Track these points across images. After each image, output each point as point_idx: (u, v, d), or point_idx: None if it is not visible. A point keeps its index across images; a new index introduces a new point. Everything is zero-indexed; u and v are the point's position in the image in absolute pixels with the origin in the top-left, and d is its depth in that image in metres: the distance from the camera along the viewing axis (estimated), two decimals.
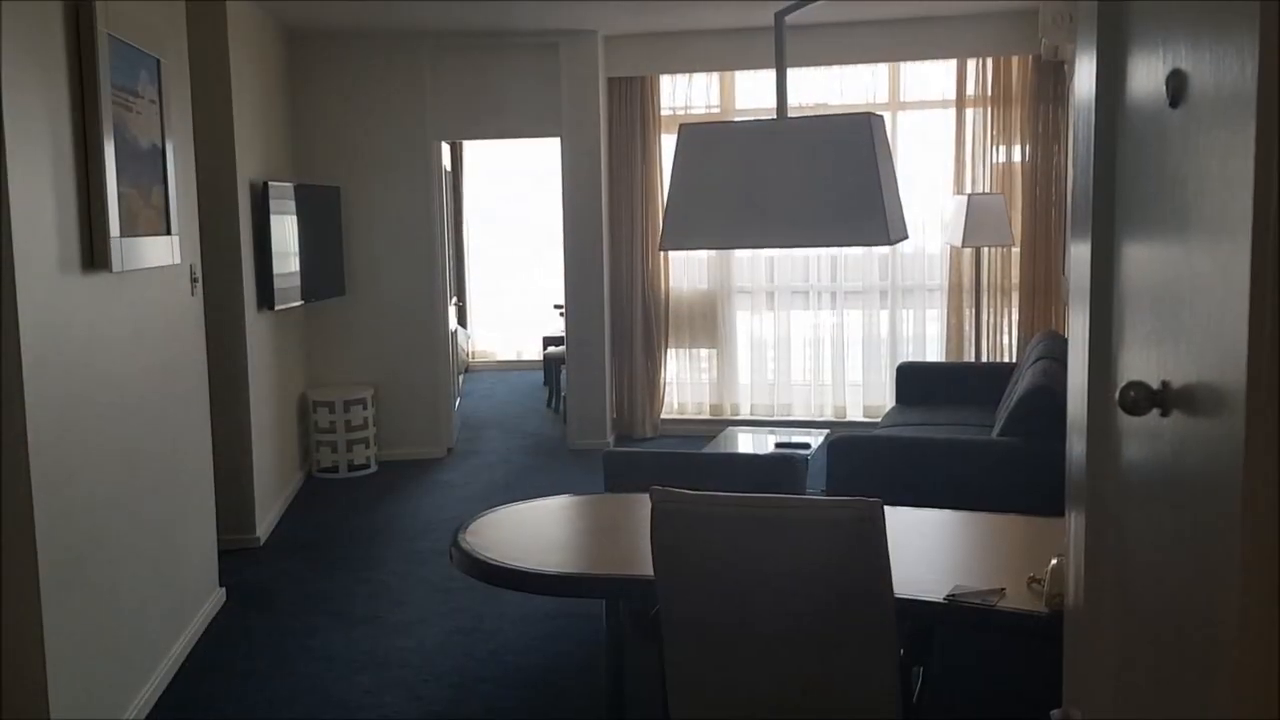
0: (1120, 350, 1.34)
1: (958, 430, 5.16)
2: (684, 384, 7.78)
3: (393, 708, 3.65)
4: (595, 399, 7.29)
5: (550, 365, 9.03)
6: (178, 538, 4.13)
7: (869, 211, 2.56)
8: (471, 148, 10.77)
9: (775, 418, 7.58)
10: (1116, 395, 1.14)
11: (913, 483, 4.24)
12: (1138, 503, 1.25)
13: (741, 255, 7.60)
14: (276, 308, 5.88)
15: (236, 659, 4.08)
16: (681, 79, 7.42)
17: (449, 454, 7.27)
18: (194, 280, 4.42)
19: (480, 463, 7.08)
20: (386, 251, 7.04)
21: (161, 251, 3.92)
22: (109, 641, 3.41)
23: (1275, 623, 0.88)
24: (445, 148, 7.41)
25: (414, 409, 7.13)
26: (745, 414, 7.68)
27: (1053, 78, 6.77)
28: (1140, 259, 1.26)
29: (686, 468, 4.39)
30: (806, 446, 5.60)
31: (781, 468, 4.24)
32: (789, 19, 2.67)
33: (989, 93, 6.94)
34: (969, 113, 7.01)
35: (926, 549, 3.19)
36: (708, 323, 7.66)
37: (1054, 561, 2.55)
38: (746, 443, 6.09)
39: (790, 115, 2.64)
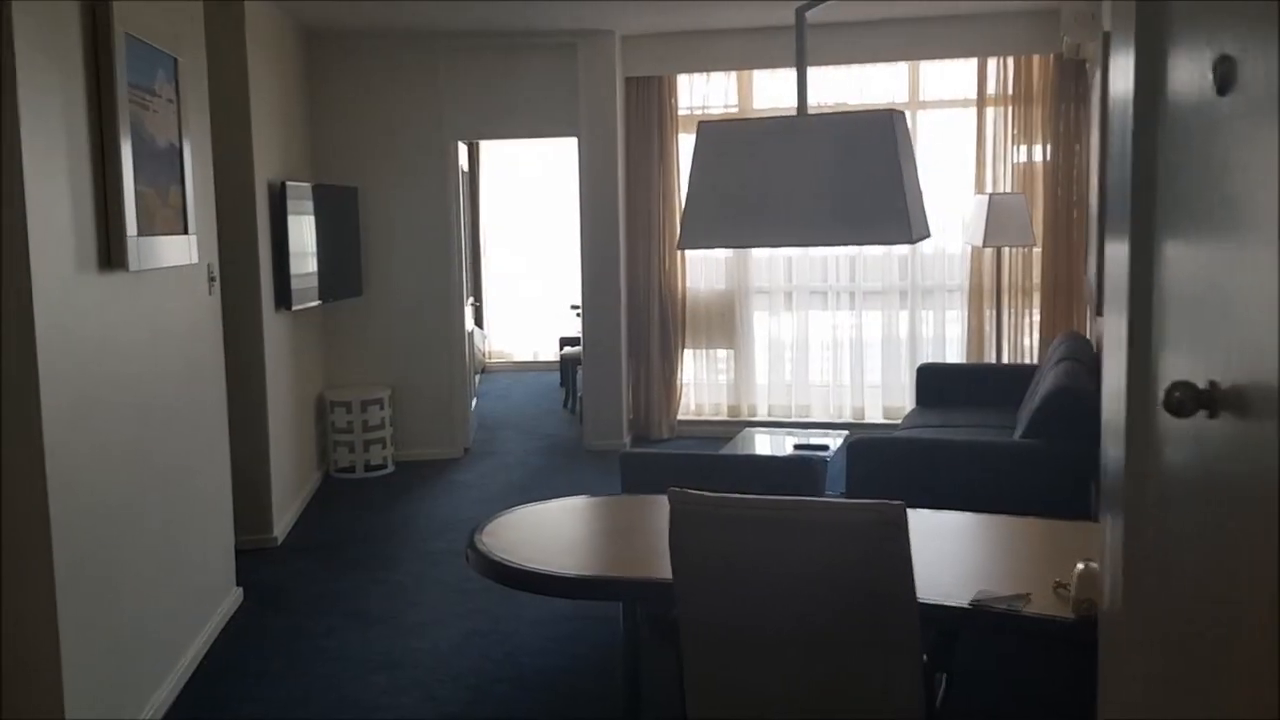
0: (1161, 351, 1.29)
1: (978, 432, 5.11)
2: (701, 385, 7.74)
3: (408, 708, 3.63)
4: (612, 400, 7.26)
5: (567, 366, 9.01)
6: (195, 538, 4.12)
7: (891, 209, 2.52)
8: (489, 148, 10.76)
9: (793, 419, 7.53)
10: (1160, 397, 1.10)
11: (932, 485, 4.20)
12: (1180, 507, 1.21)
13: (759, 255, 7.56)
14: (294, 308, 5.88)
15: (253, 659, 4.07)
16: (699, 78, 7.38)
17: (465, 454, 7.25)
18: (211, 280, 4.41)
19: (497, 463, 7.07)
20: (404, 252, 7.03)
21: (179, 251, 3.92)
22: (125, 642, 3.40)
23: None
24: (463, 148, 7.39)
25: (431, 409, 7.12)
26: (763, 415, 7.63)
27: (1074, 77, 6.71)
28: (1183, 256, 1.22)
29: (704, 469, 4.36)
30: (825, 448, 5.55)
31: (800, 470, 4.21)
32: (809, 15, 2.63)
33: (1010, 92, 6.88)
34: (990, 112, 6.95)
35: (947, 552, 3.14)
36: (725, 323, 7.61)
37: (1081, 566, 2.50)
38: (764, 444, 6.04)
39: (810, 113, 2.60)
